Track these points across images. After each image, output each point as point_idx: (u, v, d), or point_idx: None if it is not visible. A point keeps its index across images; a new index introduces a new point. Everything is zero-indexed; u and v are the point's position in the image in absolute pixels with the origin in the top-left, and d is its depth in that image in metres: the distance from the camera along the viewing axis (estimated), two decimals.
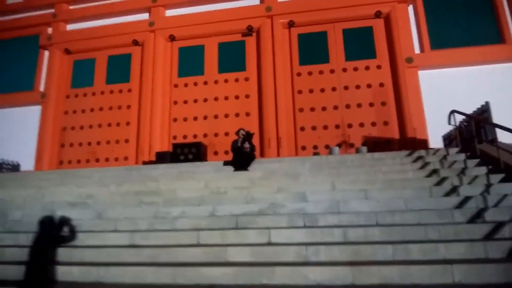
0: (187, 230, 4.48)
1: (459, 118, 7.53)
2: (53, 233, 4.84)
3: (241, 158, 6.97)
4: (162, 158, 9.08)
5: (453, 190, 4.90)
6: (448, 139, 8.37)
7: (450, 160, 6.13)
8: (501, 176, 5.25)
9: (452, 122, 7.11)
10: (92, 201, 5.81)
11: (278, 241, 4.01)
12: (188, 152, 9.00)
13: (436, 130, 9.68)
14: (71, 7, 13.88)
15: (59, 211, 5.48)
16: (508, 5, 10.74)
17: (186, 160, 8.84)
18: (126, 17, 13.23)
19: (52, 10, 13.83)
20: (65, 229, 4.81)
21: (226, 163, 7.43)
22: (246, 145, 7.21)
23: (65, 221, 4.91)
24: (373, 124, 10.44)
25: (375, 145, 10.05)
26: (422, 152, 6.85)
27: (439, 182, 5.23)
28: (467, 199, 4.57)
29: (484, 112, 7.14)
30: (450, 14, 10.92)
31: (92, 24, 13.42)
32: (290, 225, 4.36)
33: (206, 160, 9.48)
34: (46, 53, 13.51)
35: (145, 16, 13.06)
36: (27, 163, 12.21)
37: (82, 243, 4.48)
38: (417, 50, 10.78)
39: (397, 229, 3.92)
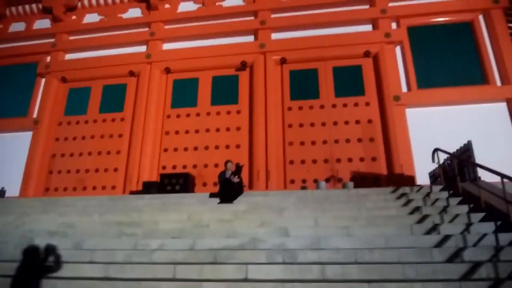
0: (164, 263, 4.40)
1: (443, 156, 7.65)
2: (35, 262, 4.67)
3: (228, 191, 6.96)
4: (148, 188, 9.03)
5: (434, 228, 4.90)
6: (434, 176, 8.46)
7: (433, 198, 6.18)
8: (481, 215, 5.29)
9: (436, 160, 7.22)
10: (72, 231, 5.71)
11: (255, 277, 3.94)
12: (176, 182, 8.97)
13: (423, 167, 9.75)
14: (71, 38, 14.26)
15: (37, 240, 5.37)
16: (491, 47, 11.23)
17: (173, 190, 8.79)
18: (124, 48, 13.59)
19: (52, 40, 14.17)
20: (50, 259, 4.65)
21: (212, 195, 7.41)
22: (236, 179, 7.22)
23: (50, 250, 4.75)
24: (361, 159, 10.55)
25: (363, 180, 10.11)
26: (406, 189, 6.90)
27: (421, 220, 5.24)
28: (447, 237, 4.57)
29: (466, 151, 7.29)
30: (436, 55, 11.37)
31: (90, 54, 13.74)
32: (269, 260, 4.30)
33: (193, 191, 9.43)
34: (43, 80, 13.71)
35: (142, 48, 13.43)
36: (14, 189, 12.03)
37: (55, 274, 4.36)
38: (404, 88, 11.11)
39: (375, 267, 3.89)
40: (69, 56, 14.10)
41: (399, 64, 11.44)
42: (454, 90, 10.70)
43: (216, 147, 11.44)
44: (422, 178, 9.69)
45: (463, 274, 3.79)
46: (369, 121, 10.93)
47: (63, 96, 13.44)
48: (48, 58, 13.96)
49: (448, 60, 11.32)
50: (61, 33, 14.15)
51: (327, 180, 10.30)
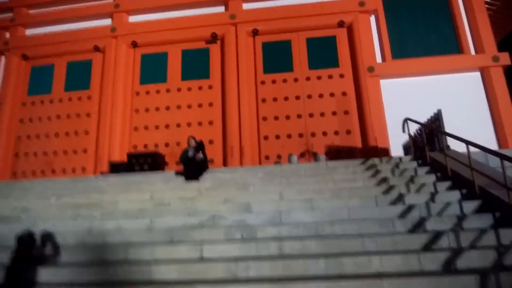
0: (117, 244, 4.16)
1: (414, 126, 7.55)
2: (30, 251, 4.32)
3: (193, 168, 6.70)
4: (116, 168, 8.69)
5: (399, 198, 4.80)
6: (407, 148, 8.40)
7: (402, 168, 6.08)
8: (448, 183, 5.21)
9: (406, 130, 7.11)
10: (26, 215, 5.39)
11: (210, 256, 3.76)
12: (144, 162, 8.65)
13: (397, 139, 9.72)
14: (30, 11, 13.32)
15: None
16: (466, 16, 11.05)
17: (142, 170, 8.47)
18: (88, 22, 12.81)
19: (11, 14, 13.22)
20: (47, 247, 4.30)
21: (177, 173, 7.15)
22: (200, 155, 6.96)
23: (46, 237, 4.39)
24: (336, 133, 10.41)
25: (338, 154, 10.01)
26: (375, 160, 6.79)
27: (387, 191, 5.13)
28: (411, 208, 4.47)
29: (436, 120, 7.19)
30: (411, 24, 11.12)
31: (52, 29, 12.91)
32: (227, 237, 4.12)
33: (163, 170, 9.13)
34: (3, 58, 12.88)
35: (107, 22, 12.69)
36: None
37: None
38: (379, 59, 10.89)
39: (335, 241, 3.75)
40: (30, 32, 13.21)
41: (373, 34, 11.15)
42: (429, 60, 10.55)
43: (188, 124, 11.08)
44: (397, 150, 9.66)
45: (424, 244, 3.70)
46: (344, 94, 10.73)
47: (25, 74, 12.67)
48: (7, 34, 13.05)
49: (423, 30, 11.11)
50: (20, 6, 13.19)
51: (302, 155, 10.16)
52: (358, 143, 10.27)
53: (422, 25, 11.17)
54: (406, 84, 10.58)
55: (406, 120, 7.00)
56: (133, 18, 12.59)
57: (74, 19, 12.80)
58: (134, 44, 12.15)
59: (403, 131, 7.15)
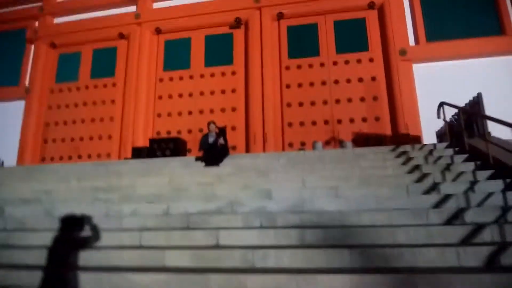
0: (132, 230, 4.03)
1: (450, 112, 6.98)
2: (72, 233, 4.21)
3: (213, 153, 6.50)
4: (138, 153, 8.66)
5: (434, 187, 4.38)
6: (441, 135, 7.82)
7: (436, 156, 5.60)
8: (489, 172, 4.72)
9: (442, 116, 6.57)
10: (46, 197, 5.40)
11: (227, 244, 3.54)
12: (166, 147, 8.56)
13: (430, 127, 9.12)
14: (58, 0, 13.51)
15: (8, 207, 5.07)
16: None
17: (164, 155, 8.39)
18: (113, 10, 12.84)
19: (40, 4, 13.47)
20: (87, 228, 4.18)
21: (198, 158, 6.98)
22: (221, 140, 6.74)
23: (86, 219, 4.31)
24: (364, 119, 9.91)
25: (366, 142, 9.53)
26: (407, 147, 6.32)
27: (420, 179, 4.71)
28: (447, 197, 4.05)
29: (475, 104, 6.59)
30: (448, 4, 10.32)
31: (79, 17, 13.06)
32: (245, 225, 3.88)
33: (185, 156, 9.02)
34: (32, 47, 13.17)
35: (132, 9, 12.66)
36: (11, 160, 11.87)
37: (16, 241, 4.05)
38: (412, 42, 10.22)
39: (362, 231, 3.43)
40: (58, 20, 13.43)
41: (406, 15, 10.45)
42: (467, 42, 9.76)
43: (211, 111, 10.91)
44: (430, 139, 9.04)
45: (463, 238, 3.30)
46: (373, 79, 10.17)
47: (54, 62, 12.92)
48: (37, 23, 13.33)
49: (460, 10, 10.28)
50: None
51: (327, 142, 9.76)
52: (387, 130, 9.74)
53: (460, 4, 10.33)
54: (441, 68, 9.87)
55: (441, 104, 6.46)
56: (157, 5, 12.49)
57: (100, 7, 12.87)
58: (158, 31, 12.06)
59: (438, 117, 6.61)
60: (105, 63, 12.29)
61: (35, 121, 12.12)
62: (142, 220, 4.25)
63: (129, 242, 3.79)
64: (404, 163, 5.49)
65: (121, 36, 12.22)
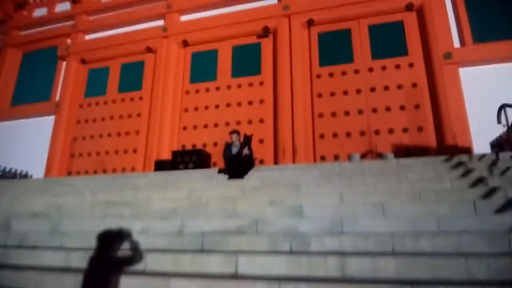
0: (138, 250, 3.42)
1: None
2: (109, 253, 3.66)
3: (237, 165, 5.88)
4: (161, 166, 8.22)
5: (509, 204, 3.47)
6: (499, 145, 6.77)
7: (502, 167, 4.65)
8: None
9: (504, 121, 5.59)
10: (55, 212, 4.96)
11: (247, 273, 2.83)
12: (189, 160, 8.05)
13: (481, 137, 8.05)
14: (90, 18, 13.76)
15: (14, 222, 4.66)
16: None
17: (186, 168, 7.88)
18: (142, 25, 12.86)
19: (72, 22, 13.78)
20: (126, 247, 3.64)
21: (220, 171, 6.37)
22: (246, 151, 6.12)
23: (125, 236, 3.80)
24: (405, 130, 8.96)
25: (407, 154, 8.57)
26: (463, 157, 5.38)
27: (488, 194, 3.81)
28: None
29: None
30: (495, 2, 9.32)
31: (109, 33, 13.19)
32: (272, 249, 3.17)
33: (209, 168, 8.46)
34: (64, 64, 13.39)
35: (160, 23, 12.61)
36: (39, 175, 11.89)
37: (14, 261, 3.57)
38: (456, 44, 9.26)
39: (423, 261, 2.62)
40: (88, 37, 13.64)
41: (449, 15, 9.53)
42: None
43: (238, 123, 10.36)
44: (482, 150, 7.96)
45: None
46: (414, 85, 9.25)
47: (83, 77, 13.03)
48: (69, 41, 13.60)
49: (510, 7, 9.24)
50: (80, 14, 13.69)
51: (363, 155, 8.87)
52: (432, 141, 8.73)
53: (509, 0, 9.30)
54: (492, 72, 8.80)
55: (503, 106, 5.50)
56: (184, 18, 12.36)
57: (129, 22, 12.94)
58: (185, 43, 11.85)
59: (498, 122, 5.63)
60: (132, 77, 12.20)
61: (63, 135, 12.13)
62: (152, 239, 3.64)
63: (133, 266, 3.18)
64: (463, 175, 4.58)
65: (149, 49, 12.12)
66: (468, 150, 8.18)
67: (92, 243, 3.78)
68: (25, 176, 11.63)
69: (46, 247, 3.86)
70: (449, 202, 3.63)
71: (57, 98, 12.84)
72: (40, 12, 14.83)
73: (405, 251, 2.85)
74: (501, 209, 3.49)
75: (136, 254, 3.35)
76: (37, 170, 11.94)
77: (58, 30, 13.89)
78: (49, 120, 12.71)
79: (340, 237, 3.12)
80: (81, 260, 3.38)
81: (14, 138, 13.05)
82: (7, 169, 11.47)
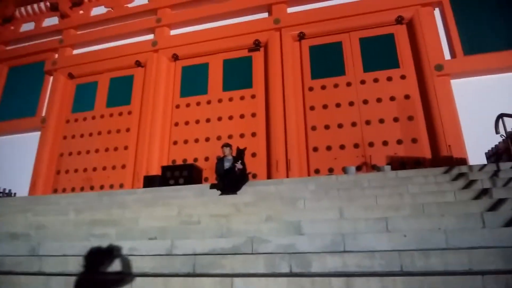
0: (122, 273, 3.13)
1: (509, 126, 5.90)
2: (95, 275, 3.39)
3: (230, 180, 5.63)
4: (150, 182, 7.91)
5: None
6: (495, 155, 6.68)
7: (505, 177, 4.51)
8: None
9: (502, 131, 5.50)
10: (36, 233, 4.61)
11: None
12: (179, 175, 7.77)
13: (476, 148, 8.00)
14: (78, 32, 13.57)
15: None
16: None
17: (177, 184, 7.59)
18: (131, 39, 12.70)
19: (60, 36, 13.57)
20: (116, 267, 3.39)
21: (212, 186, 6.12)
22: (239, 165, 5.89)
23: (116, 254, 3.55)
24: (399, 142, 8.86)
25: (402, 166, 8.45)
26: (463, 168, 5.25)
27: (494, 206, 3.64)
28: None
29: None
30: (485, 14, 9.44)
31: (97, 48, 12.98)
32: (270, 270, 2.92)
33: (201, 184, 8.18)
34: (51, 78, 13.10)
35: (149, 37, 12.47)
36: (23, 192, 11.42)
37: None
38: (447, 56, 9.30)
39: (436, 281, 2.40)
40: (76, 51, 13.41)
41: (439, 27, 9.61)
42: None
43: (230, 137, 10.14)
44: (476, 161, 7.88)
45: None
46: (407, 97, 9.21)
47: (71, 92, 12.74)
48: (56, 55, 13.35)
49: (500, 18, 9.35)
50: (68, 28, 13.51)
51: (358, 168, 8.71)
52: (427, 153, 8.63)
53: (500, 13, 9.42)
54: (484, 83, 8.83)
55: (500, 116, 5.43)
56: (174, 31, 12.25)
57: (118, 37, 12.78)
58: (175, 57, 11.71)
59: (496, 132, 5.55)
60: (121, 91, 11.96)
61: (49, 151, 11.75)
62: (139, 261, 3.36)
63: None
64: (465, 187, 4.42)
65: (138, 64, 11.94)
66: (463, 161, 8.10)
67: (73, 267, 3.48)
68: (8, 194, 11.15)
69: (23, 273, 3.53)
70: (455, 216, 3.45)
71: (43, 113, 12.49)
72: (27, 26, 14.61)
73: (415, 270, 2.64)
74: (510, 222, 3.31)
75: (124, 278, 3.06)
76: (21, 188, 11.47)
77: (45, 45, 13.64)
78: (35, 136, 12.33)
79: (343, 256, 2.90)
80: (59, 286, 3.07)
81: None
82: None
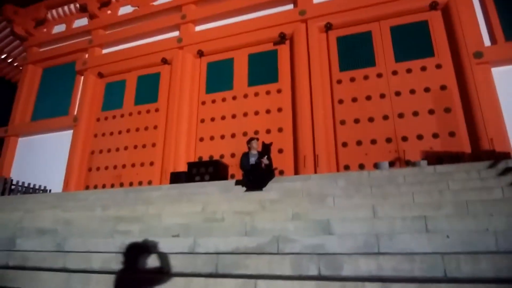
0: None
1: None
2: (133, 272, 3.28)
3: (256, 175, 5.45)
4: (176, 179, 7.88)
5: None
6: None
7: None
8: None
9: None
10: (62, 228, 4.64)
11: None
12: (205, 171, 7.69)
13: None
14: (106, 32, 13.84)
15: (21, 239, 4.38)
16: None
17: (202, 180, 7.51)
18: (157, 37, 12.80)
19: (89, 37, 13.90)
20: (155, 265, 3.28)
21: (238, 182, 5.96)
22: (265, 160, 5.69)
23: (154, 252, 3.45)
24: (435, 135, 8.33)
25: (439, 161, 7.93)
26: (510, 162, 4.77)
27: None
28: None
29: None
30: None
31: (125, 47, 13.19)
32: (296, 272, 2.70)
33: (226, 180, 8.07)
34: (82, 78, 13.46)
35: (175, 34, 12.50)
36: (58, 189, 11.82)
37: (9, 283, 3.24)
38: (487, 42, 8.63)
39: None
40: (105, 51, 13.70)
41: (477, 12, 8.93)
42: None
43: (256, 132, 9.94)
44: None
45: None
46: (443, 88, 8.65)
47: (101, 91, 13.03)
48: (86, 55, 13.69)
49: None
50: (97, 29, 13.79)
51: (391, 164, 8.26)
52: (466, 147, 8.06)
53: None
54: None
55: None
56: (199, 28, 12.21)
57: (144, 35, 12.90)
58: (200, 53, 11.66)
59: None
60: (148, 89, 12.09)
61: (81, 149, 12.08)
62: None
63: None
64: None
65: (164, 61, 11.99)
66: (507, 155, 7.47)
67: (96, 264, 3.42)
68: (44, 191, 11.57)
69: (48, 269, 3.51)
70: (506, 215, 3.08)
71: (75, 112, 12.84)
72: (58, 28, 15.08)
73: (461, 277, 2.33)
74: None
75: (166, 273, 2.93)
76: (56, 184, 11.88)
77: (76, 45, 14.01)
78: (68, 134, 12.71)
79: (377, 259, 2.63)
80: (81, 284, 3.01)
81: (34, 153, 13.12)
82: (27, 185, 11.46)
